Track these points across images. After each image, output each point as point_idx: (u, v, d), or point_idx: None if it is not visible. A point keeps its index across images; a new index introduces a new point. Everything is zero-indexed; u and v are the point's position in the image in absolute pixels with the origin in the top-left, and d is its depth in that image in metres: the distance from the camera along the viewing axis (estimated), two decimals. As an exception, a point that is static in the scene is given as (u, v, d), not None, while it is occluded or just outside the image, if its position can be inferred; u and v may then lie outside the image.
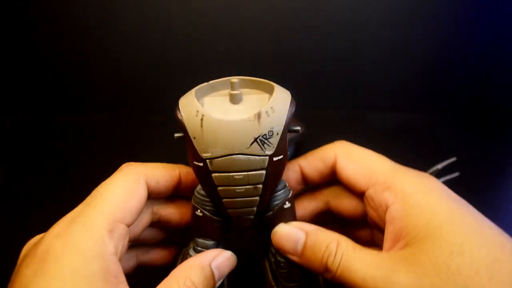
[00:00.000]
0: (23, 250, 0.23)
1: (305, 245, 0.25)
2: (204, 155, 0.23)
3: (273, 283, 0.31)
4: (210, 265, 0.24)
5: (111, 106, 0.65)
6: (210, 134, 0.23)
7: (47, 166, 0.56)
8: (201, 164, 0.24)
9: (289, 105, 0.24)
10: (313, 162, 0.29)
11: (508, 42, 0.62)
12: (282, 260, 0.28)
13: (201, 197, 0.27)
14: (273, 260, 0.30)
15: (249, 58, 0.60)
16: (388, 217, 0.24)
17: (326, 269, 0.24)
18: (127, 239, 0.24)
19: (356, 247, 0.24)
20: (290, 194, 0.28)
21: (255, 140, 0.23)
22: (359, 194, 0.28)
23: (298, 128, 0.25)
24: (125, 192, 0.24)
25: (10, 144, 0.63)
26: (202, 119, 0.23)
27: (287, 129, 0.24)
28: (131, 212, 0.24)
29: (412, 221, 0.23)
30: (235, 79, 0.24)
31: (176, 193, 0.28)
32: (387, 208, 0.24)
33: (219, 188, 0.24)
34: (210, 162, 0.23)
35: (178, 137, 0.25)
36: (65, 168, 0.54)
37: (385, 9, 0.59)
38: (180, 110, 0.24)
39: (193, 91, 0.24)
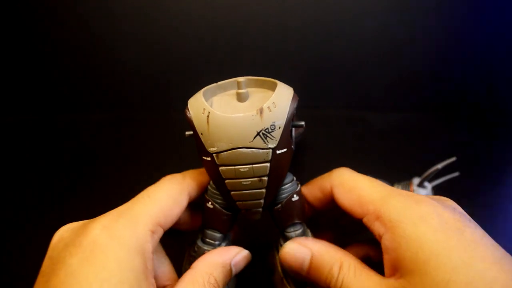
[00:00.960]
0: (56, 237, 0.23)
1: (310, 265, 0.26)
2: (211, 149, 0.24)
3: (282, 275, 0.31)
4: (230, 264, 0.26)
5: (113, 105, 0.65)
6: (216, 130, 0.24)
7: (48, 166, 0.56)
8: (209, 159, 0.25)
9: (291, 100, 0.25)
10: (313, 192, 0.30)
11: (509, 42, 0.62)
12: None
13: (212, 190, 0.28)
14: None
15: (249, 59, 0.61)
16: (383, 247, 0.24)
17: None
18: (159, 244, 0.27)
19: (358, 269, 0.24)
20: (298, 188, 0.29)
21: (258, 134, 0.24)
22: (359, 221, 0.28)
23: (303, 123, 0.26)
24: (171, 200, 0.26)
25: (10, 144, 0.63)
26: (208, 116, 0.24)
27: (289, 123, 0.25)
28: (172, 219, 0.26)
29: (402, 253, 0.22)
30: (241, 78, 0.26)
31: None
32: (380, 238, 0.24)
33: (227, 181, 0.25)
34: (217, 156, 0.24)
35: (189, 134, 0.26)
36: (67, 168, 0.54)
37: (385, 9, 0.60)
38: (189, 109, 0.25)
39: (201, 91, 0.26)
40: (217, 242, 0.29)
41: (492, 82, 0.68)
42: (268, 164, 0.25)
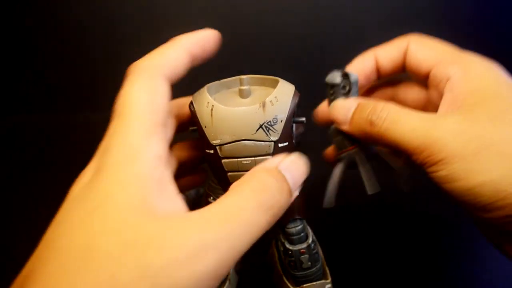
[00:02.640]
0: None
1: (354, 111, 0.26)
2: (214, 142, 0.25)
3: (281, 272, 0.31)
4: (276, 168, 0.22)
5: (111, 106, 0.66)
6: (219, 122, 0.25)
7: (48, 166, 0.56)
8: (212, 151, 0.26)
9: (292, 95, 0.26)
10: (388, 50, 0.30)
11: (509, 41, 0.62)
12: (291, 248, 0.29)
13: (213, 185, 0.29)
14: (282, 249, 0.30)
15: (249, 59, 0.61)
16: (447, 87, 0.25)
17: (371, 123, 0.25)
18: (167, 142, 0.23)
19: (405, 108, 0.24)
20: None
21: (261, 126, 0.24)
22: (424, 78, 0.29)
23: (303, 119, 0.27)
24: (148, 93, 0.21)
25: (10, 144, 0.63)
26: (212, 109, 0.25)
27: (291, 117, 0.26)
28: (162, 111, 0.21)
29: (471, 87, 0.24)
30: (244, 76, 0.27)
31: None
32: (448, 80, 0.25)
33: (229, 174, 0.26)
34: (220, 149, 0.25)
35: (192, 129, 0.27)
36: (66, 168, 0.54)
37: (385, 9, 0.61)
38: (193, 103, 0.26)
39: (205, 87, 0.27)
40: None
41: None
42: (270, 157, 0.25)
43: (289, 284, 0.31)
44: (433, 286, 0.35)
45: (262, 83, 0.28)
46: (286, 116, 0.25)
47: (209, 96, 0.25)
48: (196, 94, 0.27)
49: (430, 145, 0.22)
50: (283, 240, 0.30)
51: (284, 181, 0.21)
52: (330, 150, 0.32)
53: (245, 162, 0.25)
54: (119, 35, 0.65)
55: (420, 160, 0.23)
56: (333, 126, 0.29)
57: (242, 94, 0.27)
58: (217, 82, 0.28)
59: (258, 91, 0.27)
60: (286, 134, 0.26)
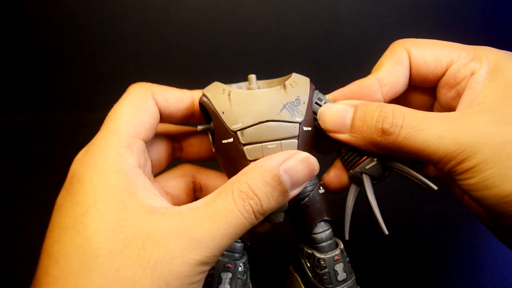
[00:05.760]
0: None
1: (354, 118, 0.23)
2: (235, 126, 0.23)
3: None
4: (277, 168, 0.21)
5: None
6: (239, 105, 0.23)
7: (48, 166, 0.54)
8: (231, 140, 0.23)
9: (309, 82, 0.25)
10: (391, 69, 0.26)
11: (509, 41, 0.66)
12: (323, 257, 0.25)
13: None
14: (309, 265, 0.26)
15: (250, 60, 0.60)
16: (469, 84, 0.23)
17: (384, 132, 0.21)
18: (146, 154, 0.24)
19: (416, 110, 0.22)
20: (320, 180, 0.27)
21: (284, 106, 0.23)
22: (435, 81, 0.26)
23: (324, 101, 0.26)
24: (133, 108, 0.23)
25: (10, 143, 0.61)
26: (229, 94, 0.23)
27: (312, 103, 0.25)
28: (144, 126, 0.23)
29: (498, 82, 0.22)
30: (252, 75, 0.26)
31: (191, 119, 0.27)
32: (472, 75, 0.24)
33: (252, 163, 0.23)
34: (242, 133, 0.23)
35: (203, 129, 0.25)
36: (66, 168, 0.50)
37: (386, 9, 0.63)
38: (205, 94, 0.24)
39: (214, 83, 0.25)
40: (237, 255, 0.25)
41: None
42: (296, 141, 0.23)
43: (322, 309, 0.26)
44: (433, 286, 0.35)
45: (269, 85, 0.27)
46: (307, 99, 0.24)
47: (224, 84, 0.24)
48: (207, 88, 0.25)
49: (460, 152, 0.20)
50: (310, 252, 0.26)
51: (278, 184, 0.21)
52: (331, 177, 0.28)
53: (270, 147, 0.23)
54: (119, 35, 0.64)
55: (448, 168, 0.21)
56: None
57: None
58: (227, 84, 0.27)
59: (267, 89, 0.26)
60: (309, 118, 0.24)
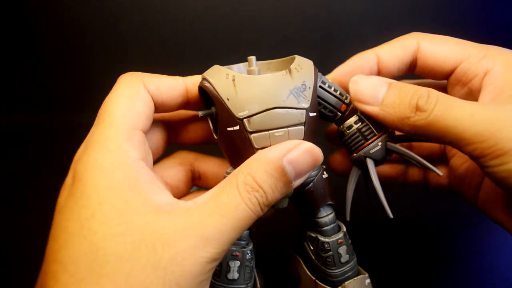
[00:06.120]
0: None
1: (388, 93, 0.23)
2: (241, 114, 0.22)
3: (313, 278, 0.27)
4: (280, 159, 0.21)
5: None
6: (245, 92, 0.22)
7: (47, 165, 0.54)
8: (237, 128, 0.22)
9: (313, 66, 0.24)
10: (392, 50, 0.26)
11: (509, 41, 0.68)
12: (327, 240, 0.25)
13: None
14: (312, 248, 0.27)
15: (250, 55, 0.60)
16: (486, 80, 0.23)
17: (418, 108, 0.21)
18: (147, 145, 0.23)
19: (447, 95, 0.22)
20: (323, 165, 0.27)
21: (291, 92, 0.22)
22: (445, 76, 0.26)
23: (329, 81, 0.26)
24: (126, 99, 0.22)
25: (10, 143, 0.61)
26: (234, 80, 0.22)
27: (316, 88, 0.24)
28: (140, 116, 0.22)
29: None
30: (252, 56, 0.25)
31: (186, 106, 0.26)
32: (485, 74, 0.24)
33: (259, 151, 0.22)
34: (248, 121, 0.22)
35: (204, 114, 0.24)
36: (66, 168, 0.49)
37: (387, 9, 0.63)
38: (207, 79, 0.23)
39: (214, 66, 0.24)
40: (243, 242, 0.25)
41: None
42: (303, 127, 0.23)
43: (326, 288, 0.27)
44: (433, 286, 0.35)
45: (270, 69, 0.27)
46: (313, 84, 0.23)
47: (226, 69, 0.23)
48: (208, 71, 0.24)
49: (494, 134, 0.19)
50: (314, 235, 0.26)
51: (282, 175, 0.21)
52: (338, 160, 0.29)
53: (277, 134, 0.22)
54: (119, 35, 0.63)
55: (479, 151, 0.20)
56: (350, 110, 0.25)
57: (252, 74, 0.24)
58: (224, 66, 0.26)
59: (267, 74, 0.25)
60: (314, 103, 0.24)
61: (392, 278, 0.35)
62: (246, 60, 0.26)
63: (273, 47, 0.60)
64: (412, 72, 0.28)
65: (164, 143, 0.27)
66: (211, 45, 0.62)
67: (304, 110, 0.23)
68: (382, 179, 0.29)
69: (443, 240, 0.39)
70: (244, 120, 0.22)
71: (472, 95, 0.25)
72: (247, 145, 0.22)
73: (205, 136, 0.29)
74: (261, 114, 0.22)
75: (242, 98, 0.22)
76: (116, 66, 0.63)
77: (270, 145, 0.22)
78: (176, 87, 0.25)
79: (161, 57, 0.62)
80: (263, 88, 0.22)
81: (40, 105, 0.66)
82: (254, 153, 0.22)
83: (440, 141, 0.22)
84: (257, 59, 0.25)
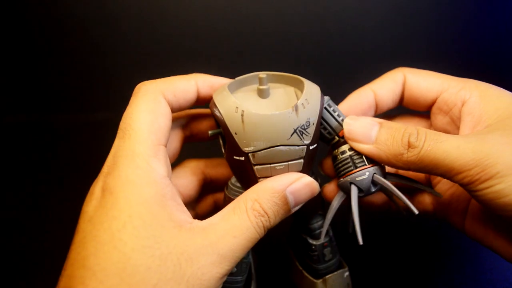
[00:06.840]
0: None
1: (380, 132, 0.25)
2: (247, 149, 0.24)
3: (300, 268, 0.32)
4: (284, 190, 0.24)
5: (111, 105, 0.64)
6: (252, 129, 0.24)
7: (47, 165, 0.55)
8: (242, 158, 0.25)
9: (320, 96, 0.25)
10: (385, 84, 0.30)
11: (509, 40, 0.65)
12: (315, 243, 0.30)
13: (236, 189, 0.28)
14: (302, 246, 0.31)
15: (250, 58, 0.59)
16: (465, 110, 0.26)
17: (410, 144, 0.24)
18: (168, 159, 0.25)
19: (434, 131, 0.24)
20: (318, 180, 0.29)
21: (295, 131, 0.24)
22: (427, 107, 0.29)
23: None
24: (149, 114, 0.24)
25: (10, 143, 0.62)
26: (242, 115, 0.24)
27: (320, 119, 0.26)
28: (162, 131, 0.24)
29: (492, 107, 0.25)
30: (263, 74, 0.26)
31: (198, 103, 0.28)
32: (463, 103, 0.26)
33: (260, 179, 0.25)
34: (253, 156, 0.24)
35: (214, 133, 0.26)
36: (66, 168, 0.53)
37: (387, 9, 0.61)
38: (218, 107, 0.25)
39: (225, 87, 0.25)
40: None
41: (493, 82, 0.71)
42: (302, 161, 0.25)
43: (311, 278, 0.32)
44: (433, 286, 0.36)
45: (279, 81, 0.28)
46: (317, 119, 0.25)
47: (236, 100, 0.24)
48: (218, 96, 0.25)
49: (481, 159, 0.21)
50: (305, 237, 0.31)
51: (284, 204, 0.24)
52: (332, 190, 0.30)
53: (278, 168, 0.25)
54: (120, 35, 0.63)
55: (468, 178, 0.22)
56: (342, 147, 0.27)
57: (262, 94, 0.26)
58: (236, 80, 0.27)
59: (276, 90, 0.27)
60: (316, 135, 0.25)
61: (392, 278, 0.36)
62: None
63: (273, 47, 0.59)
64: (401, 104, 0.30)
65: (181, 146, 0.30)
66: (217, 42, 0.60)
67: (305, 146, 0.25)
68: (368, 206, 0.32)
69: (443, 240, 0.40)
70: (249, 154, 0.24)
71: (453, 123, 0.28)
72: (250, 174, 0.25)
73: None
74: (265, 151, 0.24)
75: (249, 135, 0.24)
76: (116, 66, 0.62)
77: (271, 176, 0.25)
78: (189, 89, 0.27)
79: (162, 58, 0.61)
80: (269, 128, 0.24)
81: (40, 105, 0.66)
82: (257, 180, 0.25)
83: (432, 173, 0.24)
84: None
